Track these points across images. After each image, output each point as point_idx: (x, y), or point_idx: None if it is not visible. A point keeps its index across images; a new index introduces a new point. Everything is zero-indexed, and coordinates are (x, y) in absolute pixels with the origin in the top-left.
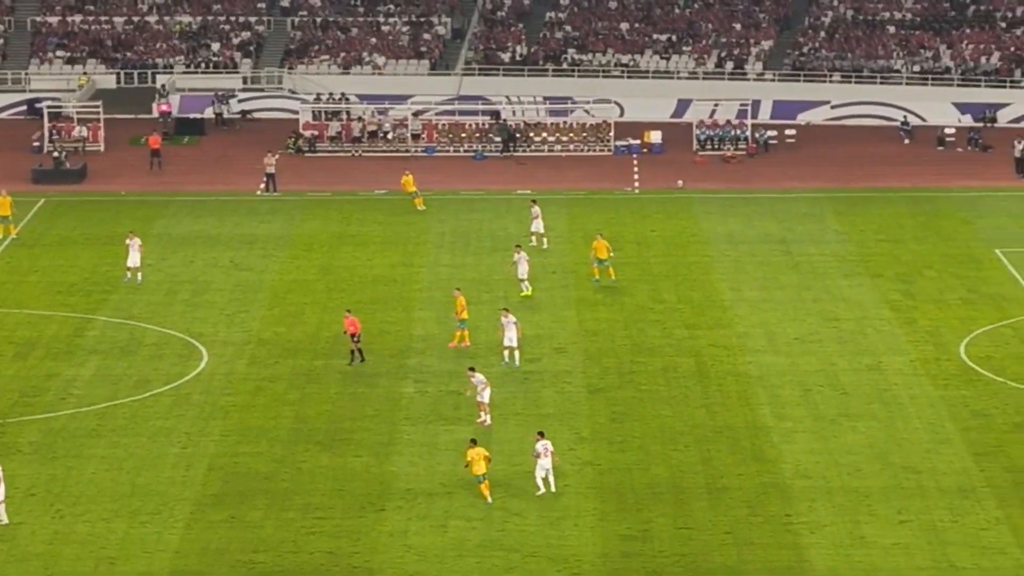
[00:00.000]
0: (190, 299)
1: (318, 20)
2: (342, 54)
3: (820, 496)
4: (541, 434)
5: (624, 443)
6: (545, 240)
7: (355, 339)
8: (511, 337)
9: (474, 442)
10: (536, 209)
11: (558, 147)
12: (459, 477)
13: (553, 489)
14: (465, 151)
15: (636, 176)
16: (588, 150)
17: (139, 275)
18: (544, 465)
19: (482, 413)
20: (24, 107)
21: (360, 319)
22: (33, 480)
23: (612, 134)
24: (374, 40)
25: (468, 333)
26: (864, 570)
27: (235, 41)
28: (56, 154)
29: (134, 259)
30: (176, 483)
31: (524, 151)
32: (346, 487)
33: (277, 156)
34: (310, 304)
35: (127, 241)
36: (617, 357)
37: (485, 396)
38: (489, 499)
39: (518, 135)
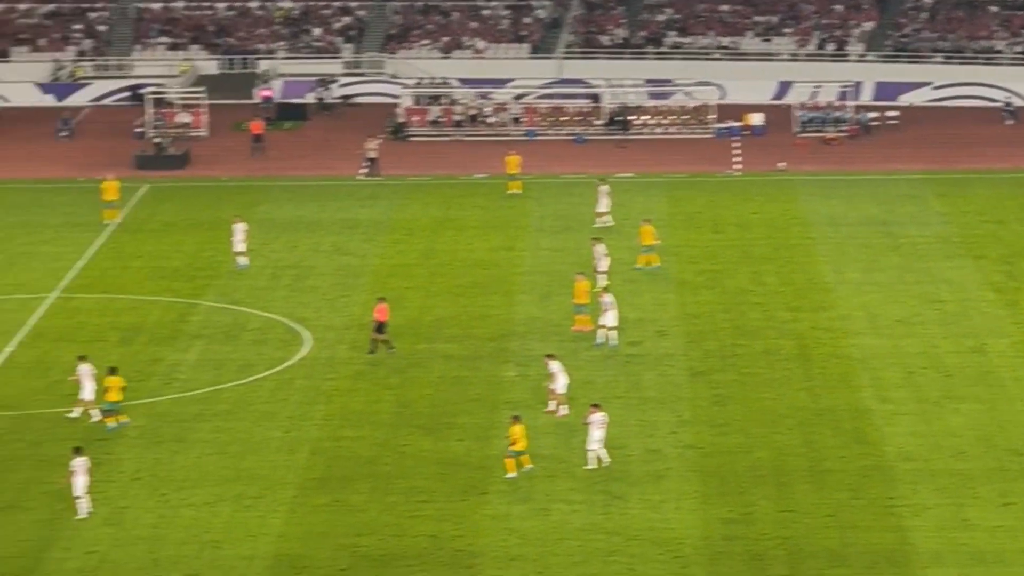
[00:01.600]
0: (293, 284)
1: (419, 4)
2: (442, 38)
3: (923, 479)
4: (596, 406)
5: (726, 426)
6: (609, 218)
7: (381, 328)
8: (610, 316)
9: (517, 418)
10: (604, 188)
11: (659, 130)
12: (561, 460)
13: (601, 464)
14: (566, 135)
15: (737, 158)
16: (689, 133)
17: (243, 260)
18: (596, 438)
19: (553, 403)
20: (127, 93)
21: (461, 304)
22: (138, 464)
23: (713, 116)
24: (474, 24)
25: (590, 317)
26: (968, 553)
27: (336, 26)
28: (158, 140)
29: (239, 244)
30: (279, 467)
31: (624, 134)
32: (448, 471)
33: (380, 140)
34: (412, 288)
35: (233, 225)
36: (719, 340)
37: (559, 385)
38: (513, 473)
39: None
